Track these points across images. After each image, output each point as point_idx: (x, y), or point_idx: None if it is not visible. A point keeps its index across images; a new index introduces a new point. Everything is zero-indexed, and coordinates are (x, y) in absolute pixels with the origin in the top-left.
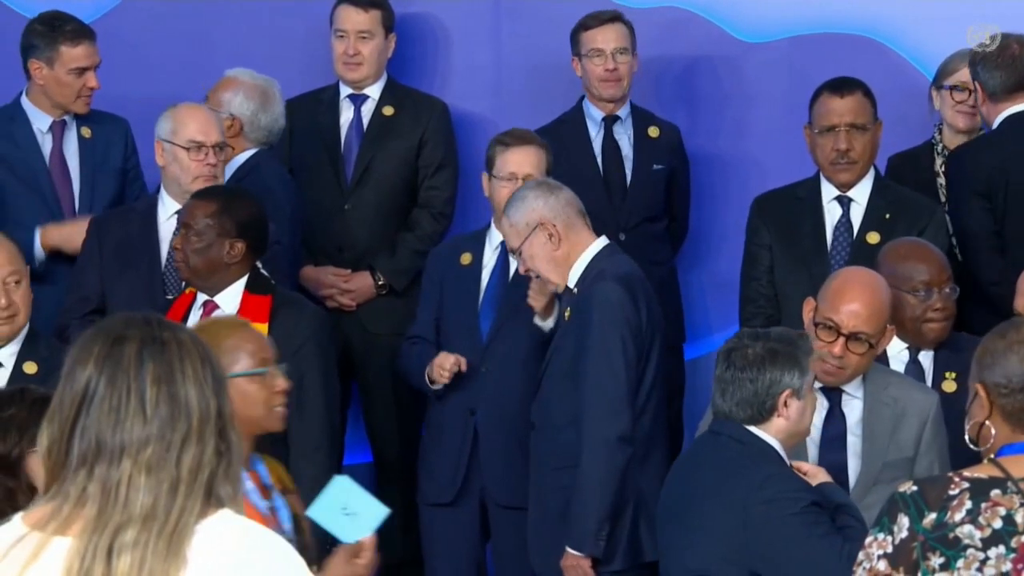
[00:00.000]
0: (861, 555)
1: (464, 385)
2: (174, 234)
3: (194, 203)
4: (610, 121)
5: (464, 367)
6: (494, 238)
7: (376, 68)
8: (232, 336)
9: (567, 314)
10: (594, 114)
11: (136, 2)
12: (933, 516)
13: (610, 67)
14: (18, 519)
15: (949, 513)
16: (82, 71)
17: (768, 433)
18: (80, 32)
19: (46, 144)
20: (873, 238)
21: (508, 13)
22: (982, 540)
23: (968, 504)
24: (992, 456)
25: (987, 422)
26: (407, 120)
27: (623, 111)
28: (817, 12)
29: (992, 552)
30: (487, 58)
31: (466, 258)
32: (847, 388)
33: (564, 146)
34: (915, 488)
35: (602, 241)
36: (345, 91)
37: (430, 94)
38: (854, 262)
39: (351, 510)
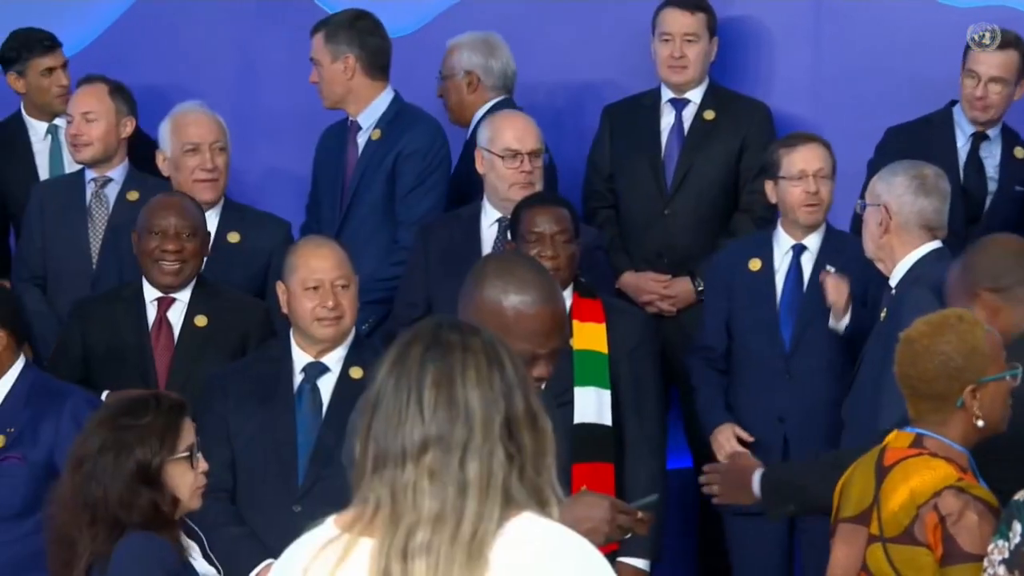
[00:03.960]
0: (985, 562)
1: (771, 392)
2: (496, 241)
3: (554, 211)
4: (979, 137)
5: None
6: (783, 242)
7: (700, 71)
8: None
9: (883, 315)
10: (964, 125)
11: (461, 9)
12: None
13: (979, 95)
14: (330, 521)
15: None
16: None
17: None
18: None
19: (350, 146)
20: None
21: (829, 15)
22: None
23: None
24: None
25: None
26: (728, 124)
27: (993, 131)
28: None
29: None
30: (807, 60)
31: (755, 264)
32: None
33: (927, 147)
34: None
35: (931, 245)
36: (667, 95)
37: (752, 97)
38: None
39: None
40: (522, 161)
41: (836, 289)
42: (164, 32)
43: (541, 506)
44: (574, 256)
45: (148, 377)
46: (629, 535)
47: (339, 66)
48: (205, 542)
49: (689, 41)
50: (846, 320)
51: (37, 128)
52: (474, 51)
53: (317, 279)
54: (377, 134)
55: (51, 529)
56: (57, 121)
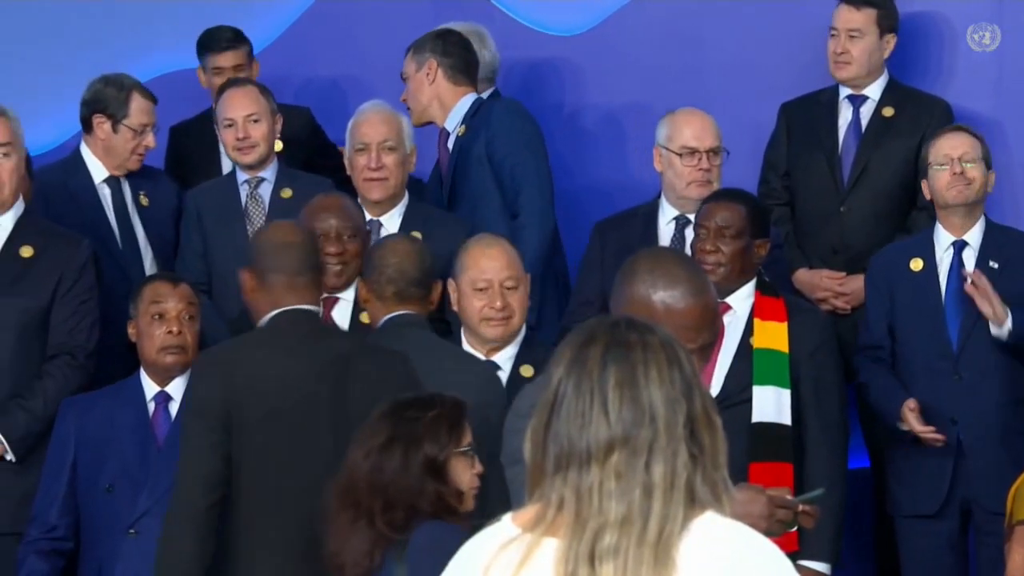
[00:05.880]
0: None
1: (939, 393)
2: (673, 239)
3: (726, 206)
4: None
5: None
6: (943, 239)
7: (864, 68)
8: None
9: None
10: None
11: (635, 8)
12: None
13: None
14: (508, 519)
15: None
16: None
17: None
18: None
19: (443, 153)
20: None
21: (1010, 8)
22: None
23: None
24: None
25: None
26: (907, 120)
27: None
28: None
29: None
30: (989, 55)
31: (916, 264)
32: None
33: None
34: None
35: None
36: (844, 92)
37: (932, 94)
38: None
39: None
40: (700, 159)
41: (984, 298)
42: (343, 31)
43: (716, 502)
44: (742, 252)
45: None
46: (795, 528)
47: (422, 73)
48: None
49: (853, 37)
50: (1008, 325)
51: None
52: None
53: (486, 280)
54: (463, 130)
55: (339, 516)
56: None
